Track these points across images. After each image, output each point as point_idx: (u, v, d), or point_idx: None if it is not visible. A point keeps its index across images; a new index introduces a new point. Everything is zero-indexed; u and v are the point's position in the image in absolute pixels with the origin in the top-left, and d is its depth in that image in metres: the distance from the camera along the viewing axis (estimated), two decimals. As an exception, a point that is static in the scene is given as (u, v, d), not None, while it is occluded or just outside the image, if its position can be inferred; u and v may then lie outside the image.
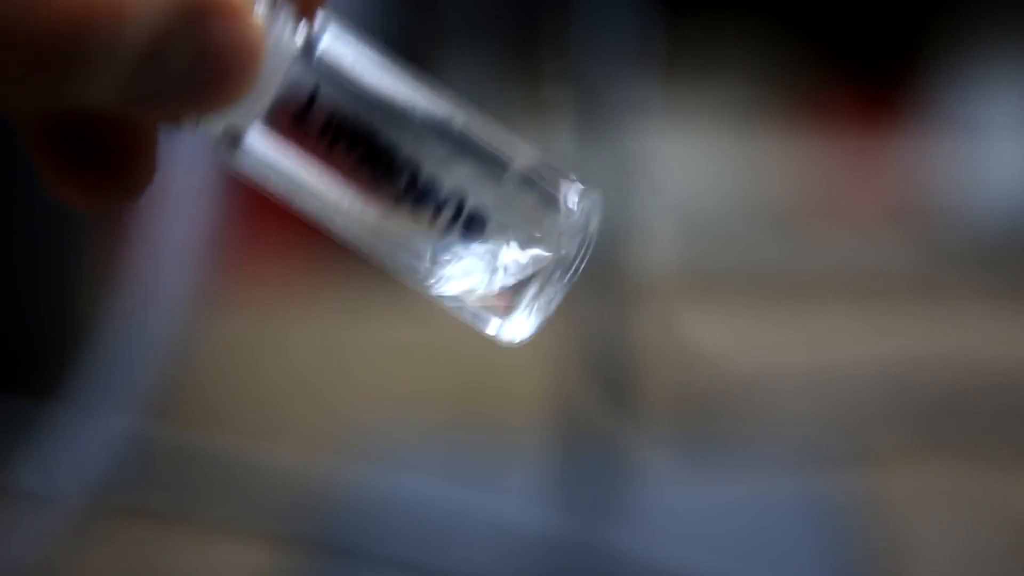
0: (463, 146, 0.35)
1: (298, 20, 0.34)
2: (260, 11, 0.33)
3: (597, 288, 1.00)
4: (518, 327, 0.36)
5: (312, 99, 0.34)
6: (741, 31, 1.85)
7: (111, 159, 0.34)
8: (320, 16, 0.35)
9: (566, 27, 1.01)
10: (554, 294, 0.36)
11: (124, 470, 1.08)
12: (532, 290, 0.36)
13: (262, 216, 1.58)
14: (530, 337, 0.36)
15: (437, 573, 1.00)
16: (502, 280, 0.36)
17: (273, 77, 0.34)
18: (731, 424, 1.22)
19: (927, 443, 1.20)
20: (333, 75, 0.34)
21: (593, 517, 1.03)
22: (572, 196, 0.36)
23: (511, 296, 0.36)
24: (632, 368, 1.05)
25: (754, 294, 1.52)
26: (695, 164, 1.76)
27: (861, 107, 1.81)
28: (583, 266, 0.36)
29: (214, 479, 1.07)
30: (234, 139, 0.34)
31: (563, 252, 0.36)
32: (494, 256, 0.35)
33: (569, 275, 0.36)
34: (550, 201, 0.36)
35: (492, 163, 0.35)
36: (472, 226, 0.35)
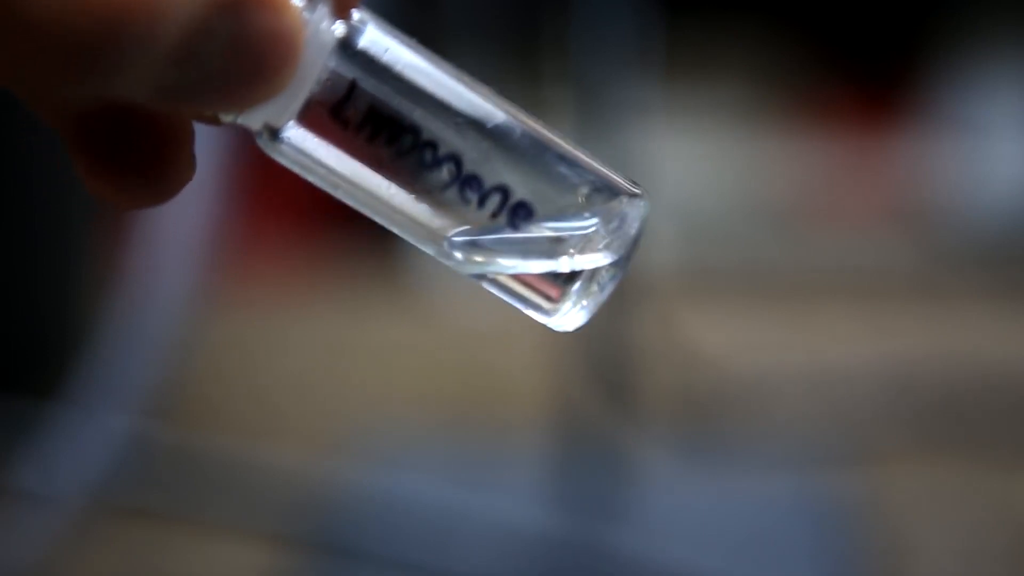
0: (506, 139, 0.35)
1: (336, 14, 0.34)
2: (298, 3, 0.33)
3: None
4: (568, 317, 0.36)
5: (352, 92, 0.34)
6: (741, 31, 1.85)
7: (147, 157, 0.33)
8: (357, 10, 0.34)
9: (566, 27, 1.01)
10: (604, 288, 0.36)
11: (124, 470, 1.08)
12: (581, 283, 0.36)
13: (262, 216, 1.58)
14: (580, 328, 0.36)
15: (437, 573, 1.00)
16: (550, 269, 0.36)
17: (312, 69, 0.33)
18: (731, 424, 1.22)
19: (927, 443, 1.20)
20: (372, 68, 0.34)
21: (593, 517, 1.03)
22: (620, 195, 0.36)
23: (559, 286, 0.36)
24: (632, 368, 1.05)
25: (754, 294, 1.52)
26: (695, 164, 1.76)
27: (861, 107, 1.81)
28: (631, 262, 0.36)
29: (214, 479, 1.07)
30: (273, 132, 0.34)
31: (614, 249, 0.36)
32: (540, 245, 0.35)
33: (620, 271, 0.36)
34: (599, 196, 0.36)
35: (537, 157, 0.35)
36: (519, 213, 0.35)
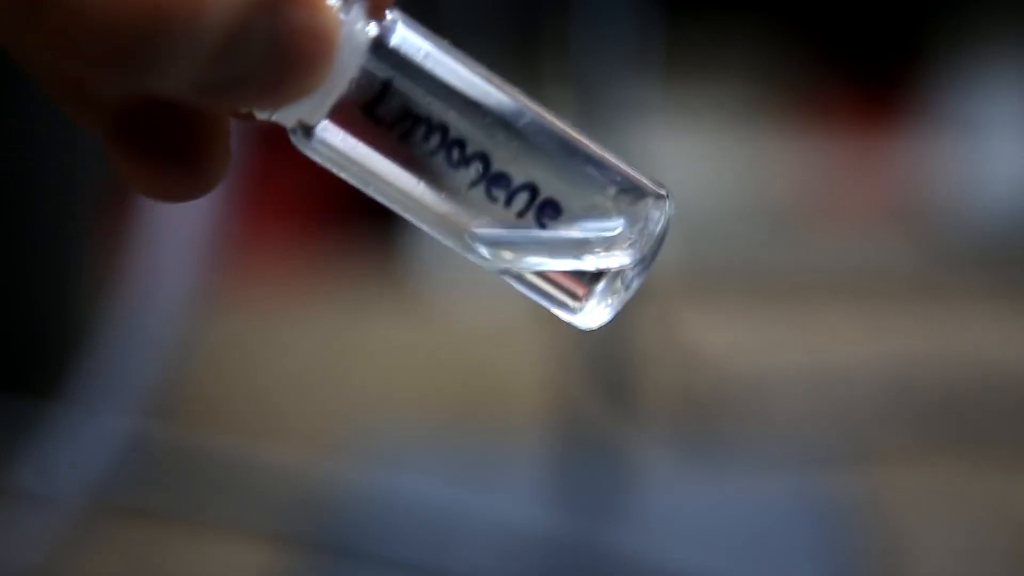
0: (534, 139, 0.35)
1: (370, 14, 0.34)
2: (334, 2, 0.33)
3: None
4: (593, 315, 0.37)
5: (385, 90, 0.34)
6: (741, 31, 1.85)
7: (184, 150, 0.34)
8: (391, 10, 0.35)
9: (566, 27, 1.01)
10: (629, 287, 0.36)
11: (124, 470, 1.08)
12: (606, 281, 0.36)
13: (262, 216, 1.58)
14: (603, 325, 0.37)
15: (437, 573, 1.00)
16: (576, 267, 0.36)
17: (347, 68, 0.34)
18: (731, 424, 1.22)
19: (927, 443, 1.19)
20: (405, 67, 0.35)
21: (593, 517, 1.03)
22: (646, 196, 0.36)
23: (584, 284, 0.36)
24: (632, 368, 1.05)
25: (754, 294, 1.52)
26: (695, 164, 1.76)
27: (861, 107, 1.81)
28: (655, 261, 0.36)
29: (214, 479, 1.07)
30: (308, 129, 0.34)
31: (639, 248, 0.36)
32: (568, 244, 0.36)
33: (645, 270, 0.36)
34: (625, 197, 0.36)
35: (564, 157, 0.36)
36: (546, 212, 0.36)
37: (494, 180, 0.35)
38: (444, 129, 0.35)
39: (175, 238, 1.17)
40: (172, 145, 0.34)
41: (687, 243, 1.61)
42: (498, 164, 0.35)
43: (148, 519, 1.06)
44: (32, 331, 1.20)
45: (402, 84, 0.35)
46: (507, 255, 0.36)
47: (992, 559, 1.04)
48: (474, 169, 0.35)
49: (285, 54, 0.31)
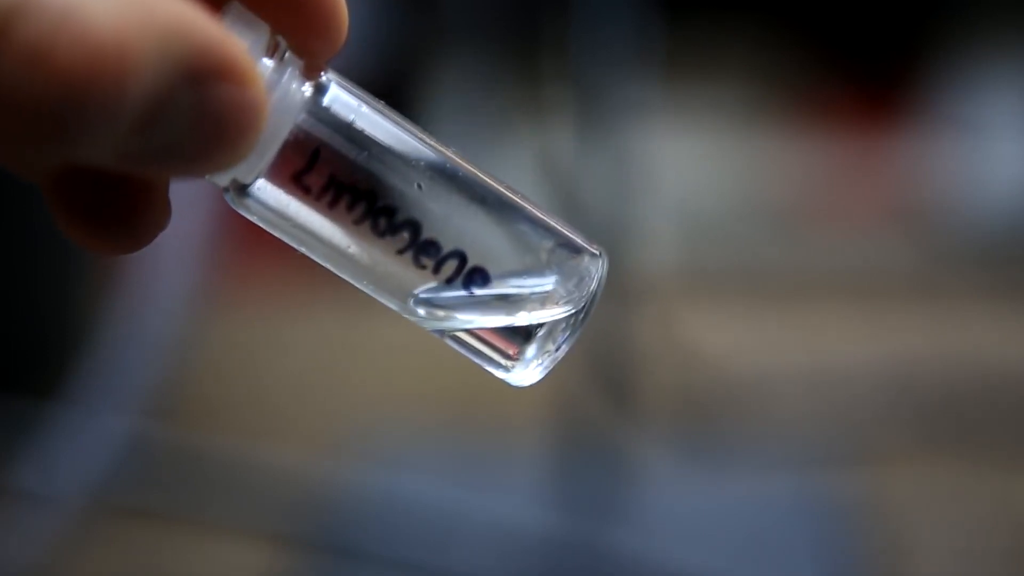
0: (466, 201, 0.36)
1: (302, 75, 0.34)
2: (265, 70, 0.33)
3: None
4: (525, 373, 0.37)
5: (314, 159, 0.34)
6: (741, 31, 1.85)
7: (121, 208, 0.34)
8: (324, 72, 0.35)
9: (566, 27, 1.01)
10: (560, 346, 0.37)
11: (124, 470, 1.08)
12: (539, 340, 0.37)
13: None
14: (536, 383, 0.37)
15: (437, 573, 1.00)
16: (508, 323, 0.36)
17: (276, 136, 0.34)
18: (731, 424, 1.22)
19: (927, 443, 1.20)
20: (336, 129, 0.35)
21: (593, 517, 1.03)
22: (580, 254, 0.37)
23: (517, 344, 0.37)
24: (632, 368, 1.05)
25: (754, 294, 1.52)
26: (695, 164, 1.76)
27: (861, 107, 1.81)
28: (588, 320, 0.37)
29: (214, 479, 1.07)
30: (240, 189, 0.35)
31: (571, 307, 0.36)
32: (498, 304, 0.36)
33: (576, 329, 0.37)
34: (559, 255, 0.36)
35: (498, 219, 0.36)
36: (474, 279, 0.36)
37: (422, 248, 0.35)
38: (372, 197, 0.35)
39: (175, 238, 1.17)
40: (108, 204, 0.34)
41: (687, 243, 1.61)
42: (427, 232, 0.35)
43: (148, 519, 1.06)
44: (32, 331, 1.20)
45: (330, 149, 0.35)
46: (440, 314, 0.36)
47: (992, 559, 1.04)
48: (402, 237, 0.35)
49: (212, 126, 0.31)
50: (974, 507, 1.09)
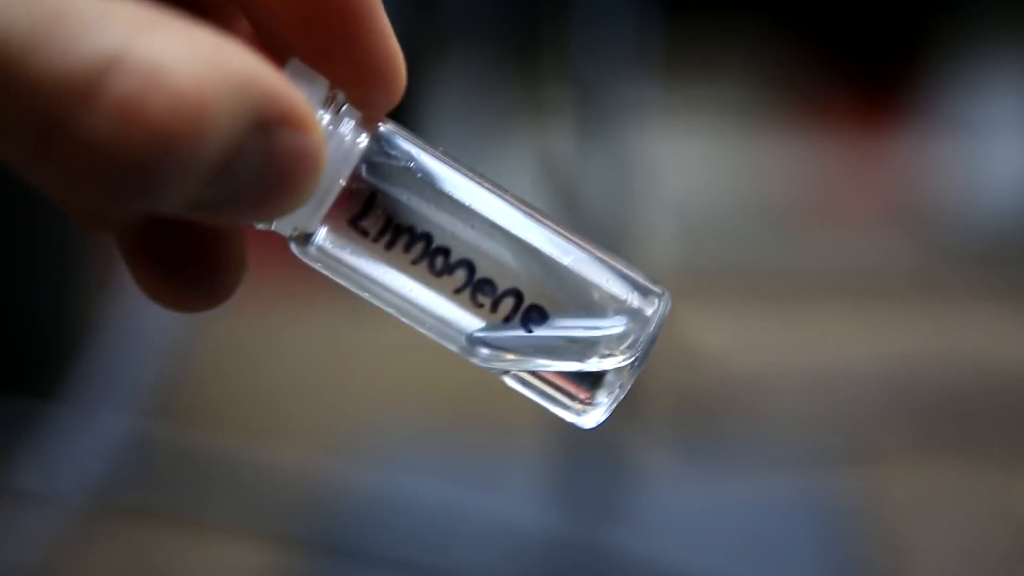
0: (524, 243, 0.36)
1: (360, 126, 0.35)
2: (324, 119, 0.34)
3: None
4: (594, 416, 0.37)
5: (370, 204, 0.35)
6: (741, 31, 1.85)
7: (197, 264, 0.35)
8: (381, 121, 0.36)
9: (566, 27, 1.01)
10: (625, 386, 0.37)
11: (124, 470, 1.08)
12: (608, 384, 0.37)
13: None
14: (601, 424, 0.38)
15: (437, 573, 1.00)
16: (579, 369, 0.37)
17: (334, 182, 0.35)
18: (731, 424, 1.22)
19: (927, 443, 1.20)
20: (393, 177, 0.36)
21: (593, 517, 1.03)
22: (646, 296, 0.37)
23: (586, 388, 0.37)
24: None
25: (754, 294, 1.52)
26: (695, 164, 1.76)
27: (861, 107, 1.81)
28: (648, 359, 0.37)
29: (214, 479, 1.07)
30: (303, 237, 0.36)
31: (638, 350, 0.37)
32: (568, 347, 0.37)
33: (639, 370, 0.37)
34: (623, 299, 0.37)
35: (554, 258, 0.36)
36: (532, 317, 0.36)
37: (479, 287, 0.36)
38: (428, 238, 0.36)
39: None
40: (184, 259, 0.35)
41: (687, 243, 1.61)
42: (482, 271, 0.36)
43: (148, 519, 1.06)
44: (32, 331, 1.20)
45: (387, 195, 0.36)
46: (509, 356, 0.37)
47: (992, 559, 1.04)
48: (458, 277, 0.36)
49: (275, 174, 0.32)
50: (974, 507, 1.09)
